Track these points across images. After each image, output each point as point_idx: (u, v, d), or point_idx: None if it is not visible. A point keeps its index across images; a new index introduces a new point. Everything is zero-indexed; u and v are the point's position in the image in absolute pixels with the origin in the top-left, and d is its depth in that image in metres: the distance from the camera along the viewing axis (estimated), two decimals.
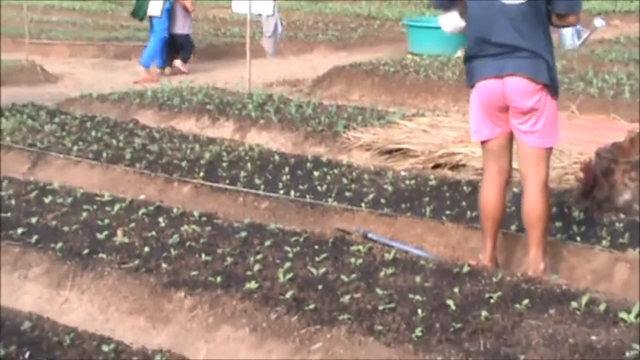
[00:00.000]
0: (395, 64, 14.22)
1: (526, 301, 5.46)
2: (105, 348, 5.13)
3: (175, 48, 16.28)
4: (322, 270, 6.02)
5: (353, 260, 6.22)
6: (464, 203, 7.61)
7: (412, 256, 6.41)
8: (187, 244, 6.60)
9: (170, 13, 15.97)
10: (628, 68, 13.43)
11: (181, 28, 16.30)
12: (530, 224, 6.24)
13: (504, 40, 6.11)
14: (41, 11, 22.85)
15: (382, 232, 7.02)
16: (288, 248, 6.45)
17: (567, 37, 16.35)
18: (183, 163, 8.95)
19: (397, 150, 9.62)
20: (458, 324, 5.18)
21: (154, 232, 6.85)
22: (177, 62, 16.31)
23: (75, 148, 9.62)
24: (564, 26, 6.48)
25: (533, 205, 6.20)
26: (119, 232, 6.84)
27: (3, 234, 6.89)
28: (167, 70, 16.12)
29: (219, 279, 5.89)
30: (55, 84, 14.75)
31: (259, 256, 6.29)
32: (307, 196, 7.90)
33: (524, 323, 5.20)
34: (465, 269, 6.04)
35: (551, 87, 6.17)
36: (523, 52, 6.08)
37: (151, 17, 16.01)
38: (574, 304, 5.43)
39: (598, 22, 17.05)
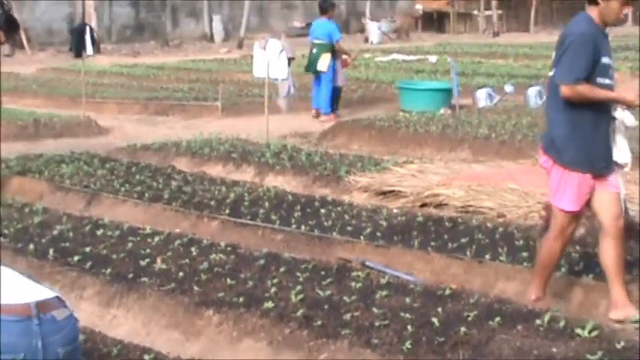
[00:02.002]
0: (389, 119, 14.24)
1: (498, 319, 5.45)
2: (146, 357, 5.13)
3: (334, 97, 16.65)
4: (328, 292, 6.02)
5: (353, 284, 6.22)
6: (446, 236, 7.60)
7: (403, 281, 6.41)
8: (215, 270, 6.60)
9: (333, 69, 16.42)
10: None
11: (340, 81, 16.75)
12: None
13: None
14: (95, 75, 22.91)
15: (378, 261, 7.00)
16: (299, 274, 6.45)
17: (532, 97, 16.42)
18: (212, 202, 8.96)
19: (390, 191, 9.60)
20: (441, 338, 5.17)
21: (187, 260, 6.85)
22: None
23: (122, 189, 9.64)
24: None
25: (541, 248, 6.13)
26: (158, 260, 6.84)
27: (62, 261, 6.91)
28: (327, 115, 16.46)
29: (241, 299, 5.89)
30: (106, 136, 14.78)
31: (275, 280, 6.29)
32: (315, 230, 7.90)
33: (496, 338, 5.19)
34: (447, 292, 6.03)
35: (553, 157, 5.84)
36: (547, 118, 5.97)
37: (319, 72, 16.45)
38: (538, 321, 5.43)
39: (508, 87, 17.08)
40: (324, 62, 16.43)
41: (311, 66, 16.73)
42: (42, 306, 3.40)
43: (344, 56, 16.99)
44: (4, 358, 3.27)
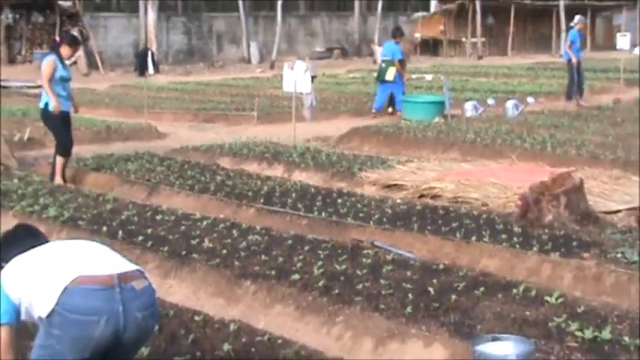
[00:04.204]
0: (393, 126, 14.21)
1: (482, 289, 5.44)
2: (196, 318, 5.15)
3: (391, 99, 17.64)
4: (343, 267, 6.02)
5: (364, 260, 6.22)
6: (440, 221, 7.58)
7: (405, 258, 6.39)
8: (252, 248, 6.61)
9: (400, 79, 17.50)
10: (550, 131, 13.35)
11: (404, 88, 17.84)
12: None
13: None
14: (155, 90, 22.91)
15: (384, 241, 6.99)
16: (320, 252, 6.45)
17: (509, 109, 16.31)
18: (249, 193, 8.96)
19: (394, 185, 9.58)
20: (436, 304, 5.17)
21: (229, 240, 6.86)
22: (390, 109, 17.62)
23: (177, 182, 9.65)
24: None
25: None
26: (206, 240, 6.86)
27: (129, 240, 6.93)
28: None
29: (273, 272, 5.89)
30: (164, 139, 14.79)
31: (301, 257, 6.29)
32: (333, 216, 7.88)
33: (480, 304, 5.19)
34: (441, 267, 6.02)
35: None
36: None
37: (386, 81, 17.39)
38: (514, 290, 5.41)
39: (530, 99, 16.98)
40: (390, 73, 17.42)
41: (379, 76, 17.78)
42: (123, 277, 3.40)
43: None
44: (91, 319, 3.29)
